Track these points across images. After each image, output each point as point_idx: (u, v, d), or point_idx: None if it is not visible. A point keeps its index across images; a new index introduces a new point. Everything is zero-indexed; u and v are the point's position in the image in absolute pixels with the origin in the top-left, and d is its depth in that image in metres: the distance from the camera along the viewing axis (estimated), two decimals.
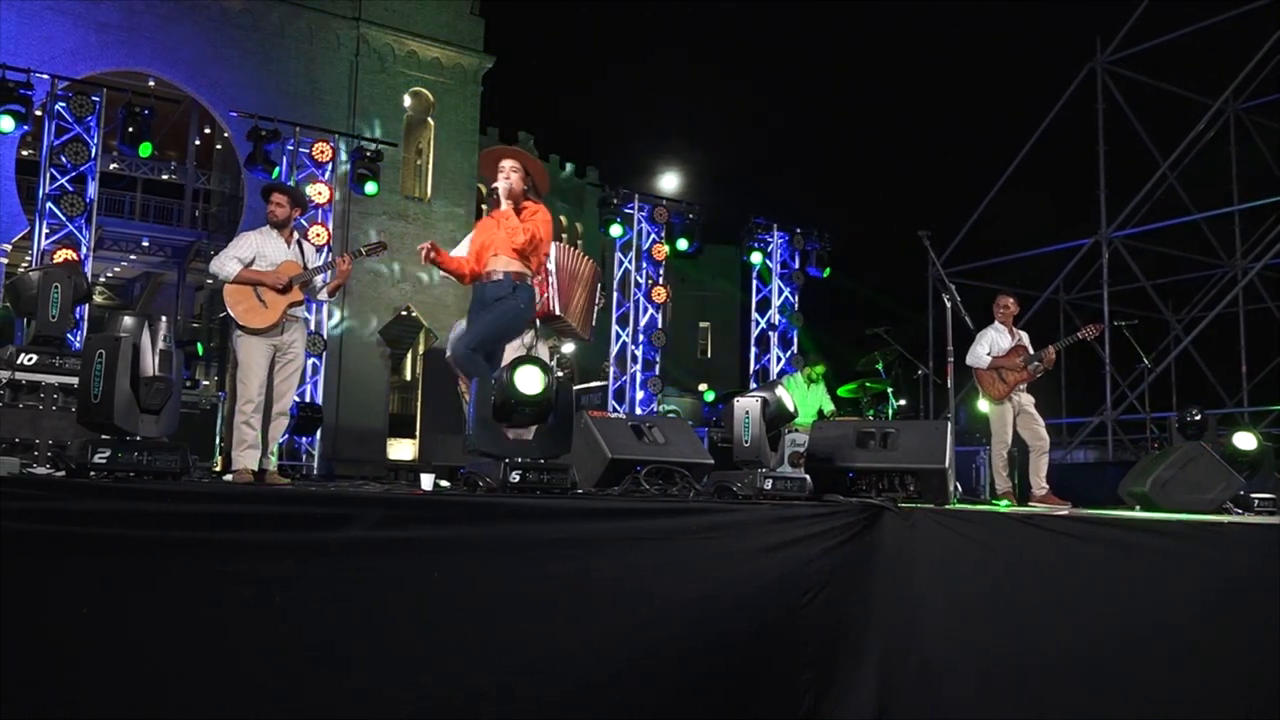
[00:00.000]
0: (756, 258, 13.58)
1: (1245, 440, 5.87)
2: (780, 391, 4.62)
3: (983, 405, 7.92)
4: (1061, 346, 7.93)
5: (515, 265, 5.13)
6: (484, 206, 4.84)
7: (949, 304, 6.35)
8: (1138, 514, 4.69)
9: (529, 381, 3.97)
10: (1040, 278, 17.83)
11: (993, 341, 7.74)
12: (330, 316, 12.69)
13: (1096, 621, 3.67)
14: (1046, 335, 8.01)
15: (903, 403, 12.45)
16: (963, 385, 8.99)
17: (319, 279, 5.89)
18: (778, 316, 13.73)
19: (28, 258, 11.29)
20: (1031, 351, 7.70)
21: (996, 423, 7.66)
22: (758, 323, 13.92)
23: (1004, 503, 7.01)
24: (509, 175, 5.23)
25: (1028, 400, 7.66)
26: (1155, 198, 15.95)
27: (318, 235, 10.69)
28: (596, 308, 5.85)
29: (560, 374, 4.18)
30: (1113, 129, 16.50)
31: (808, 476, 4.55)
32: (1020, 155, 17.41)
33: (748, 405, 4.46)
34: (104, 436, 3.16)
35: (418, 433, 23.54)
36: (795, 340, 13.71)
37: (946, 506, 4.57)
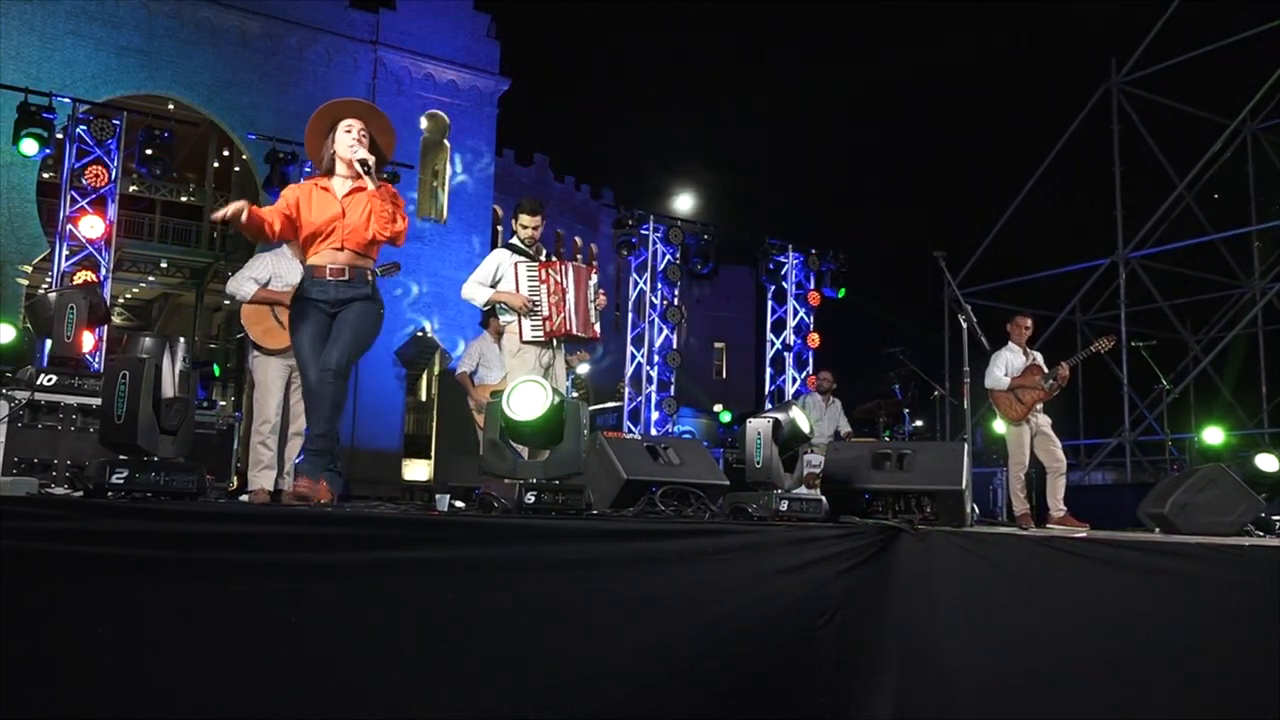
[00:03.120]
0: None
1: (1267, 462, 5.83)
2: (795, 412, 4.61)
3: (999, 426, 7.89)
4: (1076, 361, 7.90)
5: (363, 259, 4.37)
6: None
7: (965, 325, 6.34)
8: (1157, 536, 4.65)
9: (528, 403, 3.97)
10: (1056, 298, 17.79)
11: (1008, 362, 7.72)
12: None
13: (1116, 645, 3.64)
14: (1063, 356, 7.96)
15: (919, 424, 12.41)
16: (979, 406, 8.95)
17: None
18: (793, 337, 13.73)
19: (48, 279, 11.39)
20: (1046, 371, 7.67)
21: (1014, 444, 7.63)
22: (773, 343, 13.92)
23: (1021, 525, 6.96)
24: (360, 141, 4.34)
25: (1045, 421, 7.63)
26: (1172, 218, 15.91)
27: None
28: (594, 304, 5.85)
29: (575, 394, 4.18)
30: (1129, 149, 16.48)
31: (824, 498, 4.53)
32: (1036, 176, 17.41)
33: (760, 426, 4.45)
34: (121, 457, 3.17)
35: (433, 453, 23.59)
36: (810, 361, 13.69)
37: (963, 528, 4.54)
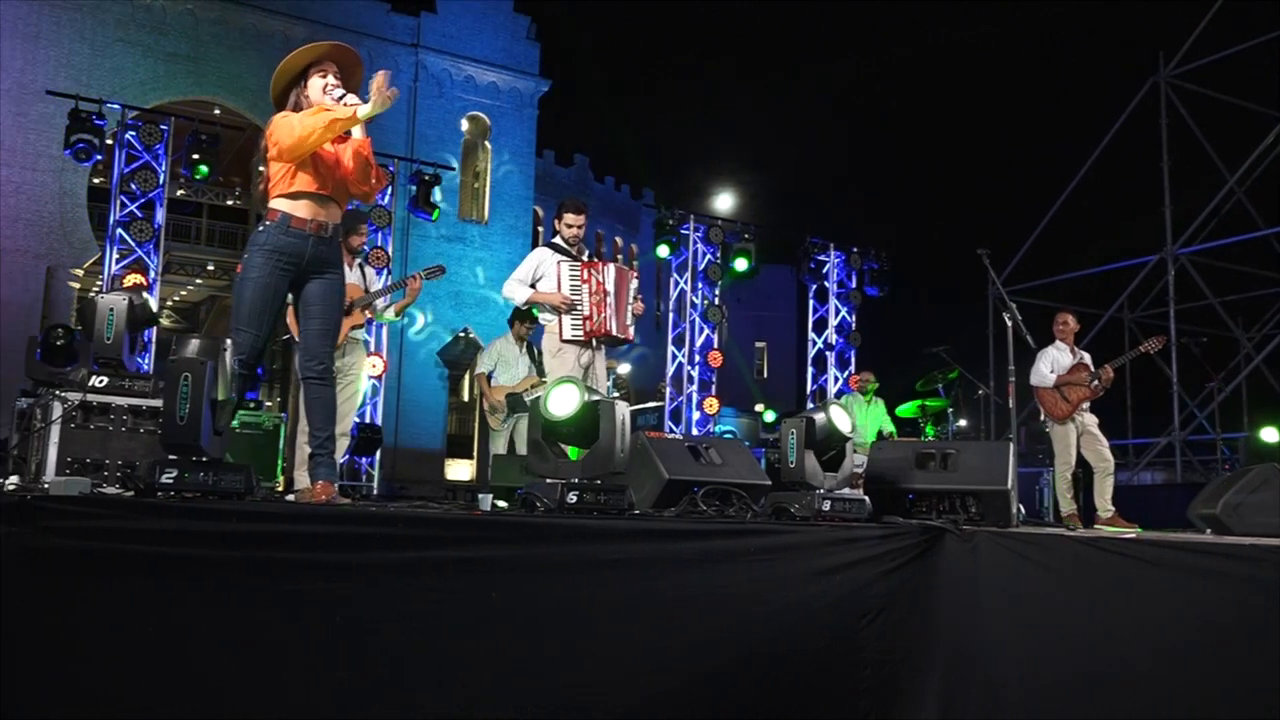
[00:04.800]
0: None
1: None
2: (834, 411, 4.56)
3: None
4: (1123, 362, 7.78)
5: (341, 214, 4.09)
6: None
7: (1010, 322, 6.27)
8: (1208, 537, 4.57)
9: (563, 402, 3.98)
10: (1104, 296, 17.53)
11: (1054, 360, 7.63)
12: (389, 339, 12.84)
13: (1165, 647, 3.58)
14: (1111, 355, 7.85)
15: (963, 423, 12.29)
16: (1025, 405, 8.84)
17: (380, 301, 5.97)
18: (835, 336, 13.64)
19: (99, 282, 11.60)
20: (1093, 370, 7.57)
21: (1060, 444, 7.54)
22: (814, 343, 13.84)
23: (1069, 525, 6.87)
24: (339, 85, 3.96)
25: (1091, 420, 7.53)
26: (1223, 213, 15.60)
27: (378, 258, 10.85)
28: (631, 308, 5.87)
29: (617, 394, 4.19)
30: (1177, 143, 16.19)
31: (866, 498, 4.50)
32: (1082, 171, 17.16)
33: (795, 425, 4.43)
34: (171, 457, 3.22)
35: (475, 453, 23.73)
36: (853, 360, 13.61)
37: (1009, 529, 4.48)
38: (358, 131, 4.00)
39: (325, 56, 4.06)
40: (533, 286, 5.79)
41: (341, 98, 3.92)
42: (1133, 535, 4.69)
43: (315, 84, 3.99)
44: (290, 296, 4.09)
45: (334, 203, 4.04)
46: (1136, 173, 17.44)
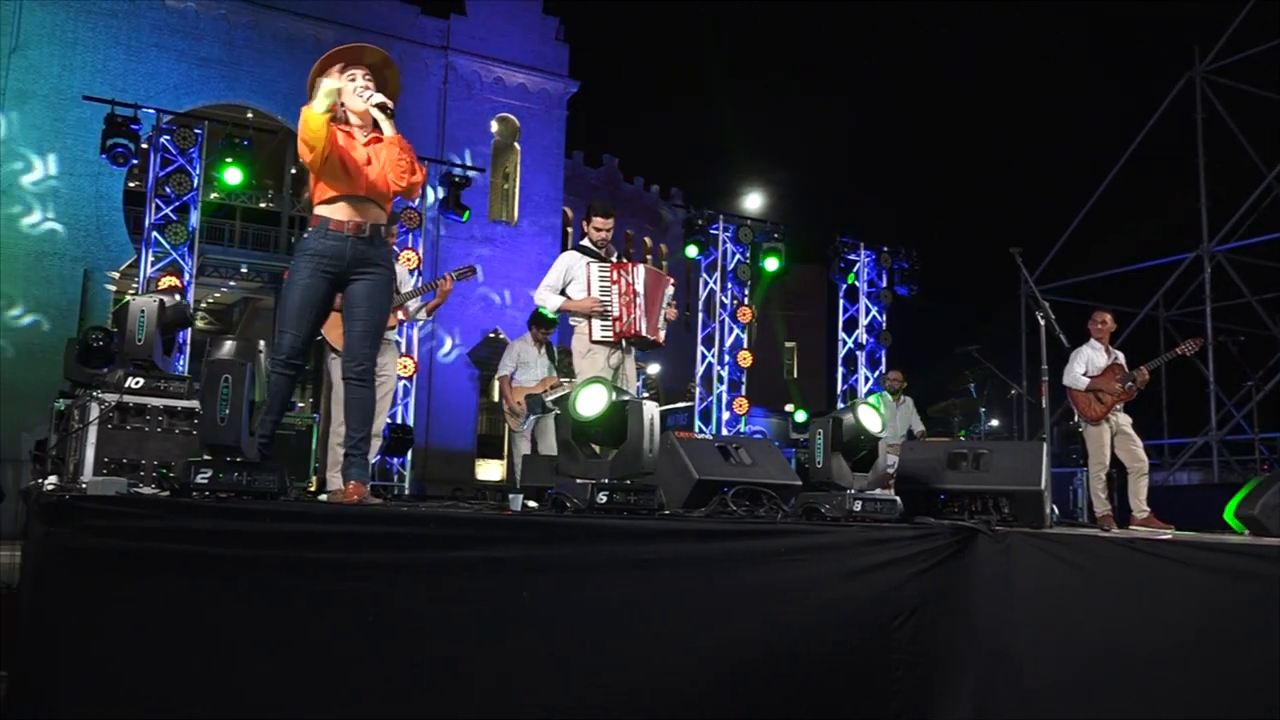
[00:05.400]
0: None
1: None
2: (863, 410, 4.54)
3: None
4: (1158, 364, 7.69)
5: (383, 213, 4.10)
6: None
7: (1043, 322, 6.21)
8: (1247, 539, 4.51)
9: (590, 402, 3.98)
10: (1139, 294, 17.33)
11: (1089, 360, 7.55)
12: (420, 339, 12.92)
13: (1202, 649, 3.53)
14: (1146, 354, 7.76)
15: (995, 423, 12.20)
16: (1058, 405, 8.75)
17: (413, 302, 6.00)
18: (865, 336, 13.58)
19: (135, 285, 11.75)
20: (1127, 370, 7.49)
21: (1093, 444, 7.46)
22: (844, 342, 13.78)
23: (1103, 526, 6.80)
24: (371, 87, 4.03)
25: (1125, 421, 7.45)
26: (1261, 209, 15.38)
27: (409, 260, 10.91)
28: (664, 313, 5.87)
29: (647, 395, 4.18)
30: (1213, 139, 15.97)
31: (898, 499, 4.47)
32: (1116, 168, 16.97)
33: (822, 425, 4.42)
34: (206, 457, 3.25)
35: (505, 453, 23.81)
36: (884, 359, 13.54)
37: (1043, 530, 4.44)
38: (388, 129, 4.03)
39: (350, 59, 4.12)
40: (563, 291, 5.80)
41: (369, 97, 3.99)
42: (1168, 536, 4.63)
43: (346, 86, 4.04)
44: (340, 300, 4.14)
45: (372, 203, 4.06)
46: (1172, 169, 17.25)
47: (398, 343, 11.20)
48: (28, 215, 17.70)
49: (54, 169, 17.98)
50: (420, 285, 5.96)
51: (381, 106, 3.99)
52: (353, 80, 4.05)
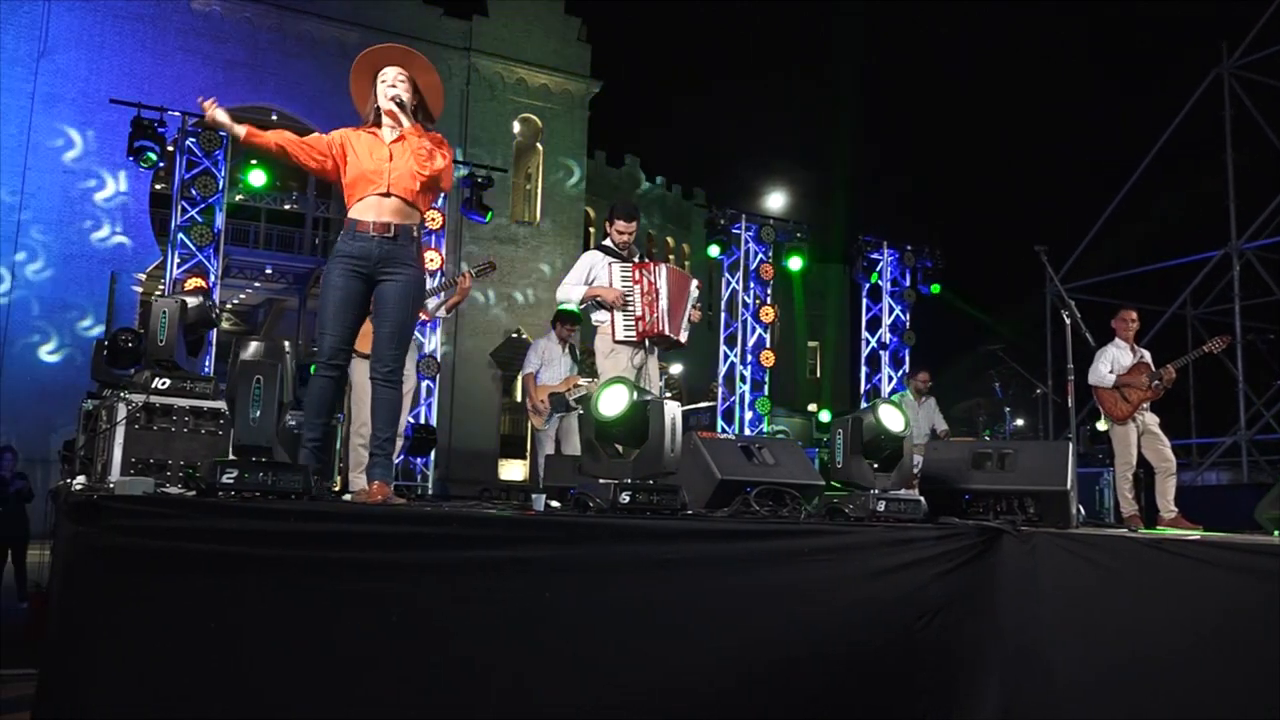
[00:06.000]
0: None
1: None
2: (884, 410, 4.51)
3: (1104, 424, 7.65)
4: (1185, 362, 7.61)
5: (411, 213, 4.10)
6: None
7: (1068, 320, 6.16)
8: (1276, 539, 4.45)
9: (612, 402, 3.98)
10: (1166, 293, 17.17)
11: (1114, 359, 7.48)
12: (443, 340, 12.96)
13: (1229, 650, 3.50)
14: (1173, 353, 7.68)
15: (1020, 422, 12.12)
16: (1083, 404, 8.68)
17: (433, 300, 6.02)
18: (889, 335, 13.51)
19: (161, 286, 11.86)
20: (1154, 369, 7.42)
21: (1120, 444, 7.39)
22: (868, 341, 13.72)
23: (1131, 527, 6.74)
24: (395, 84, 4.10)
25: (1152, 420, 7.38)
26: None
27: (431, 260, 10.95)
28: (688, 315, 5.86)
29: (669, 394, 4.17)
30: (1242, 136, 15.81)
31: (922, 499, 4.45)
32: (1143, 165, 16.83)
33: (842, 425, 4.40)
34: (231, 457, 3.28)
35: (528, 453, 23.86)
36: (907, 358, 13.48)
37: (1069, 530, 4.41)
38: (405, 120, 4.06)
39: (383, 61, 4.19)
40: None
41: (394, 96, 4.06)
42: (1196, 536, 4.59)
43: (380, 90, 4.13)
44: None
45: (399, 200, 4.07)
46: (1199, 166, 17.07)
47: (421, 343, 11.30)
48: (98, 230, 18.38)
49: (82, 171, 18.21)
50: (440, 283, 5.98)
51: (396, 100, 4.04)
52: (384, 81, 4.12)
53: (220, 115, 4.01)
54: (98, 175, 18.28)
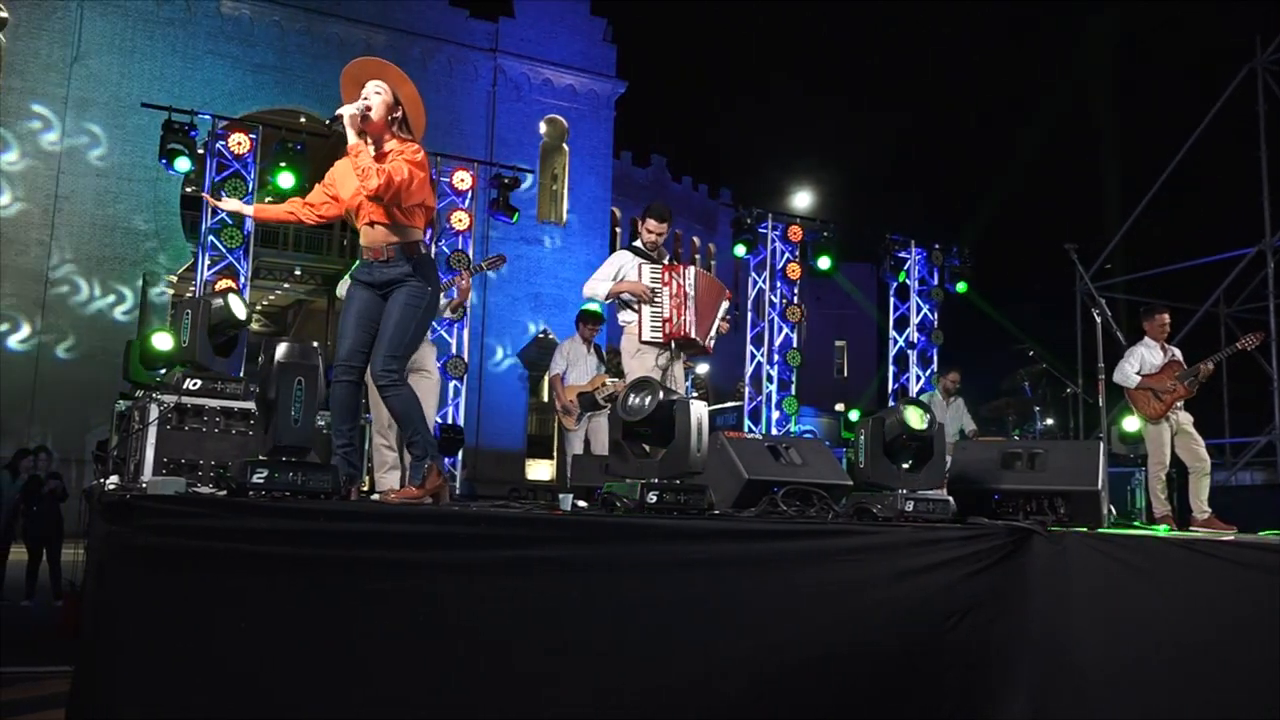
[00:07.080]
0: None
1: None
2: (906, 410, 4.47)
3: (1129, 424, 7.57)
4: (1220, 359, 7.52)
5: (397, 232, 4.02)
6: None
7: (1099, 319, 6.10)
8: None
9: (637, 403, 3.99)
10: (1198, 290, 16.96)
11: (1143, 359, 7.40)
12: (469, 340, 13.01)
13: (1263, 651, 3.45)
14: (1206, 351, 7.57)
15: (1050, 422, 12.01)
16: (1114, 403, 8.60)
17: (441, 299, 6.04)
18: (916, 334, 13.44)
19: (192, 288, 11.97)
20: (1186, 368, 7.33)
21: (1153, 443, 7.31)
22: (895, 341, 13.65)
23: (1163, 528, 6.66)
24: (368, 98, 4.03)
25: (1186, 419, 7.29)
26: None
27: (459, 260, 11.02)
28: (717, 325, 5.84)
29: (695, 394, 4.17)
30: (1275, 131, 15.59)
31: (951, 499, 4.42)
32: (1175, 161, 16.63)
33: (866, 425, 4.38)
34: (262, 457, 3.30)
35: (555, 453, 23.91)
36: (935, 357, 13.40)
37: (1100, 530, 4.37)
38: (351, 137, 3.99)
39: (362, 75, 4.15)
40: None
41: (338, 115, 4.00)
42: (1230, 537, 4.53)
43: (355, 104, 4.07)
44: None
45: (379, 225, 4.04)
46: (1232, 162, 16.85)
47: (448, 343, 11.34)
48: (129, 232, 18.66)
49: (113, 174, 18.42)
50: (442, 284, 6.02)
51: (343, 118, 3.96)
52: (352, 99, 4.08)
53: (228, 204, 4.53)
54: (129, 178, 18.48)
